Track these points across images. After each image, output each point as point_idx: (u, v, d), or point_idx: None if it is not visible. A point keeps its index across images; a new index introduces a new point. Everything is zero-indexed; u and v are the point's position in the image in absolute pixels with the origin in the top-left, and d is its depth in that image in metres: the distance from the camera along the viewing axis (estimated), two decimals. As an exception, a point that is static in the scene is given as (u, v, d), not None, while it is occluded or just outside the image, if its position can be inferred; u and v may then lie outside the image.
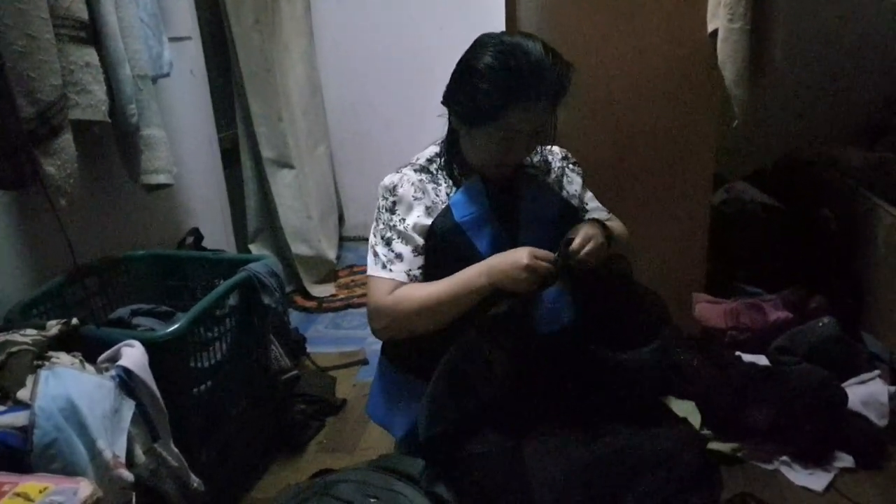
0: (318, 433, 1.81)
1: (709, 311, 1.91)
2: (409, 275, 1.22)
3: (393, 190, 1.25)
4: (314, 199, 2.84)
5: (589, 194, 1.43)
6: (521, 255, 1.13)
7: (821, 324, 1.75)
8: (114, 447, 1.03)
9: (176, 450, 1.24)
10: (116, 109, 1.63)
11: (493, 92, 1.13)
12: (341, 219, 3.37)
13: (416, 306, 1.18)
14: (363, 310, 2.58)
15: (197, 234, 2.06)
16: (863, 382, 1.69)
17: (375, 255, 1.25)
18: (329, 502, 1.35)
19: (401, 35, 3.06)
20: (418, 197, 1.24)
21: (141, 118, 1.69)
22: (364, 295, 2.69)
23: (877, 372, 1.72)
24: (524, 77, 1.12)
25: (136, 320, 1.55)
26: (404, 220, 1.23)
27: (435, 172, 1.29)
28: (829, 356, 1.71)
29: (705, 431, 1.63)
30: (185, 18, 2.18)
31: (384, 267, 1.23)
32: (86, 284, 1.58)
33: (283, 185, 2.63)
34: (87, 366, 1.10)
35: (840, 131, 2.69)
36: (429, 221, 1.24)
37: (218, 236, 2.34)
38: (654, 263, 1.72)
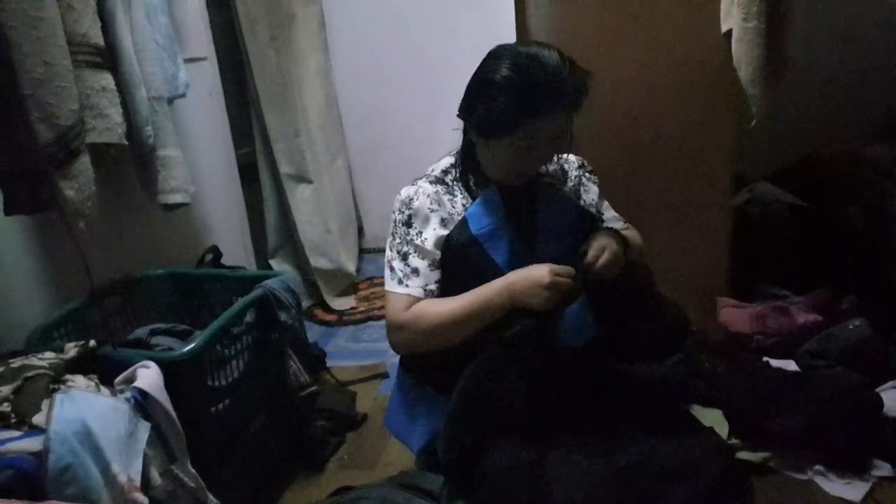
0: (338, 449, 1.80)
1: (734, 315, 1.86)
2: (425, 290, 1.21)
3: (409, 203, 1.23)
4: (333, 213, 2.85)
5: (605, 204, 1.41)
6: (542, 274, 1.11)
7: (852, 326, 1.69)
8: (129, 470, 1.03)
9: (193, 471, 1.24)
10: (133, 131, 1.66)
11: (512, 104, 1.12)
12: (360, 231, 3.37)
13: (434, 323, 1.17)
14: (383, 322, 2.57)
15: (216, 252, 2.07)
16: (897, 387, 1.63)
17: (392, 269, 1.24)
18: (348, 520, 1.34)
19: (413, 46, 3.06)
20: (434, 209, 1.23)
21: (157, 139, 1.71)
22: (384, 307, 2.71)
23: (912, 375, 1.65)
24: (542, 88, 1.11)
25: (155, 340, 1.56)
26: (421, 233, 1.22)
27: (451, 184, 1.28)
28: (862, 359, 1.65)
29: (733, 441, 1.58)
30: (201, 39, 2.21)
31: (400, 282, 1.22)
32: (105, 305, 1.59)
33: (301, 199, 2.65)
34: (103, 388, 1.11)
35: (864, 128, 2.61)
36: (445, 233, 1.22)
37: (238, 253, 2.35)
38: (676, 269, 1.69)
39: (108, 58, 1.57)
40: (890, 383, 1.62)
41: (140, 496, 1.01)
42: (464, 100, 1.22)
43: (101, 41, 1.51)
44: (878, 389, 1.59)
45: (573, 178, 1.36)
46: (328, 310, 2.70)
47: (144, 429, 1.11)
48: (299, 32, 2.70)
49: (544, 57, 1.12)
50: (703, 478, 1.11)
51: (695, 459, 1.12)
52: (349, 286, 2.87)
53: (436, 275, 1.23)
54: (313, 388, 1.83)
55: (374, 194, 3.32)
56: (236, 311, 1.47)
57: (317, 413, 1.84)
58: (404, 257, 1.23)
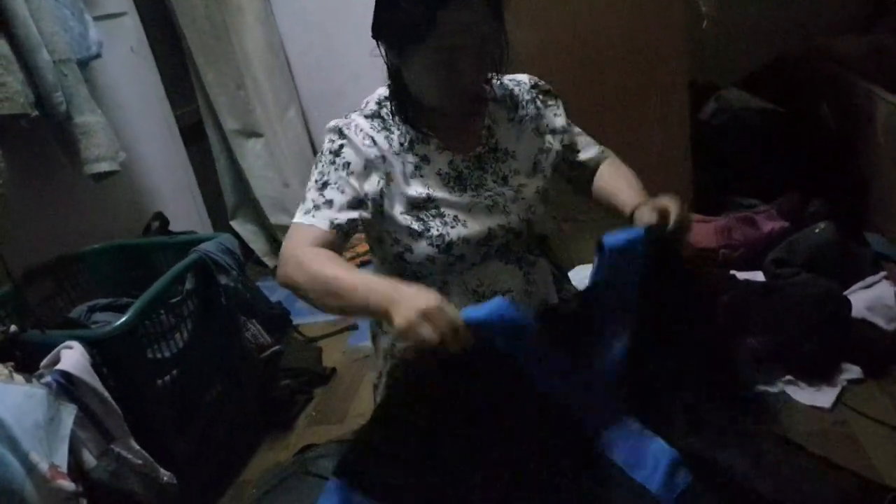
0: (307, 406, 1.77)
1: (699, 230, 1.79)
2: (333, 223, 1.05)
3: (340, 132, 1.10)
4: (291, 166, 2.74)
5: (575, 130, 1.27)
6: (428, 297, 0.88)
7: (817, 230, 1.63)
8: (52, 457, 0.98)
9: (138, 447, 1.20)
10: (42, 99, 1.55)
11: (414, 3, 0.99)
12: (326, 182, 3.28)
13: (313, 276, 0.99)
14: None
15: (162, 219, 1.99)
16: (868, 287, 1.58)
17: (304, 200, 1.09)
18: (308, 481, 1.31)
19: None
20: (367, 145, 1.09)
21: (71, 105, 1.60)
22: (353, 258, 2.64)
23: (883, 273, 1.61)
24: None
25: (95, 316, 1.50)
26: (348, 164, 1.08)
27: (386, 118, 1.14)
28: (829, 263, 1.60)
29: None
30: (116, -7, 2.06)
31: (308, 213, 1.07)
32: (38, 287, 1.52)
33: (252, 155, 2.54)
34: (16, 375, 1.05)
35: (834, 19, 2.48)
36: (375, 177, 1.09)
37: (191, 217, 2.27)
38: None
39: (-1, 22, 1.45)
40: (857, 284, 1.58)
41: (66, 483, 0.97)
42: (373, 17, 1.09)
43: (-15, 4, 1.39)
44: (845, 292, 1.55)
45: (525, 104, 1.21)
46: (296, 266, 2.63)
47: (69, 412, 1.06)
48: (232, -23, 2.53)
49: None
50: None
51: None
52: (316, 240, 2.79)
53: (350, 213, 1.07)
54: (275, 348, 1.78)
55: (334, 143, 3.21)
56: (168, 279, 1.40)
57: (282, 373, 1.80)
58: (322, 187, 1.08)
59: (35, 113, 1.51)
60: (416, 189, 1.11)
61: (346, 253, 2.67)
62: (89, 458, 1.08)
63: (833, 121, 2.11)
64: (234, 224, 2.64)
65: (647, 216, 1.04)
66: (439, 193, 1.12)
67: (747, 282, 1.63)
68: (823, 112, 2.16)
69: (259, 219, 2.68)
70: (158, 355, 1.37)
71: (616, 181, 1.22)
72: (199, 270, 1.50)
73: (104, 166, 1.67)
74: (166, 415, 1.39)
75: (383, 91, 1.17)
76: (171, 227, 2.03)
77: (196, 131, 2.51)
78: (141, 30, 2.15)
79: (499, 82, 1.20)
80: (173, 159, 2.26)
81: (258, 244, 2.65)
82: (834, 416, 1.40)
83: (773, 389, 1.49)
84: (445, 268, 1.14)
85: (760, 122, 2.17)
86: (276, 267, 2.59)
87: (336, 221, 1.05)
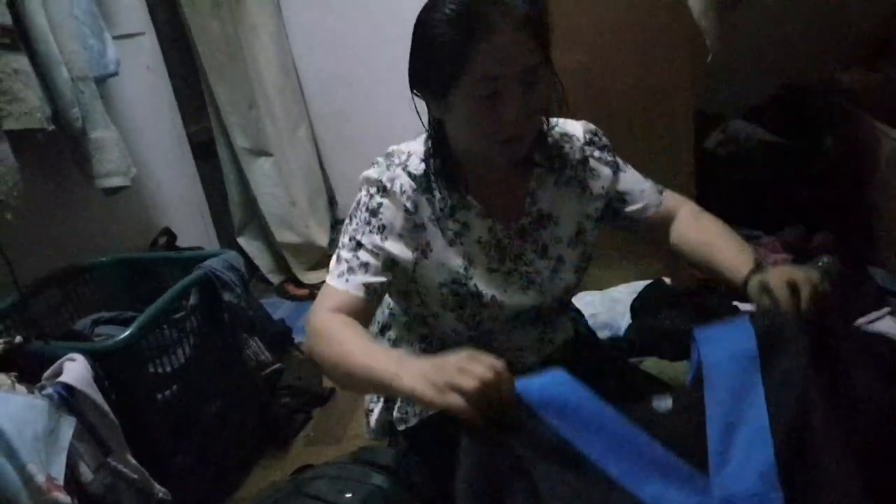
0: (305, 425, 1.77)
1: (701, 261, 1.79)
2: (367, 286, 0.98)
3: (382, 189, 1.00)
4: (299, 185, 2.77)
5: (629, 177, 1.13)
6: (457, 359, 0.74)
7: (820, 263, 1.63)
8: (49, 469, 0.99)
9: (134, 461, 1.21)
10: (59, 114, 1.58)
11: (451, 35, 0.90)
12: (333, 202, 3.30)
13: (333, 352, 0.91)
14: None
15: (169, 234, 2.01)
16: (872, 322, 1.57)
17: (338, 259, 1.02)
18: (303, 501, 1.31)
19: (373, 8, 2.93)
20: (409, 210, 1.00)
21: (86, 121, 1.64)
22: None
23: (887, 309, 1.60)
24: (476, 8, 0.90)
25: (99, 329, 1.52)
26: (384, 227, 0.99)
27: (429, 178, 1.03)
28: (832, 297, 1.59)
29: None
30: (136, 14, 2.11)
31: (342, 276, 0.99)
32: (45, 298, 1.54)
33: (260, 173, 2.57)
34: (19, 386, 1.06)
35: (839, 54, 2.50)
36: (410, 249, 1.01)
37: (196, 233, 2.30)
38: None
39: (20, 38, 1.49)
40: (861, 319, 1.57)
41: (61, 495, 0.97)
42: (409, 64, 1.00)
43: (7, 20, 1.44)
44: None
45: (574, 164, 1.08)
46: (300, 284, 2.65)
47: (68, 424, 1.06)
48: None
49: None
50: None
51: None
52: (321, 259, 2.81)
53: (385, 276, 1.00)
54: (276, 366, 1.79)
55: (343, 164, 3.23)
56: (173, 295, 1.42)
57: (282, 391, 1.81)
58: (357, 247, 1.00)
59: (52, 127, 1.54)
60: (454, 259, 1.04)
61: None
62: (86, 471, 1.08)
63: (838, 155, 2.11)
64: (241, 240, 2.66)
65: (764, 297, 0.86)
66: (477, 265, 1.04)
67: (750, 314, 1.62)
68: (828, 146, 2.17)
69: (265, 236, 2.70)
70: (160, 370, 1.38)
71: (711, 236, 1.06)
72: (204, 287, 1.51)
73: (116, 181, 1.70)
74: (165, 430, 1.39)
75: (420, 146, 1.06)
76: (178, 243, 2.06)
77: (207, 148, 2.54)
78: (157, 49, 2.20)
79: (550, 138, 1.09)
80: (183, 176, 2.29)
81: (263, 261, 2.67)
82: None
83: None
84: (468, 337, 1.11)
85: (765, 154, 2.18)
86: (280, 283, 2.65)
87: (370, 286, 0.99)
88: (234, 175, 2.61)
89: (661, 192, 1.16)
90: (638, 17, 1.71)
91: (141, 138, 2.02)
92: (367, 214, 1.00)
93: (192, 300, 1.48)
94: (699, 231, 1.09)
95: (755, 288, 0.90)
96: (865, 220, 1.91)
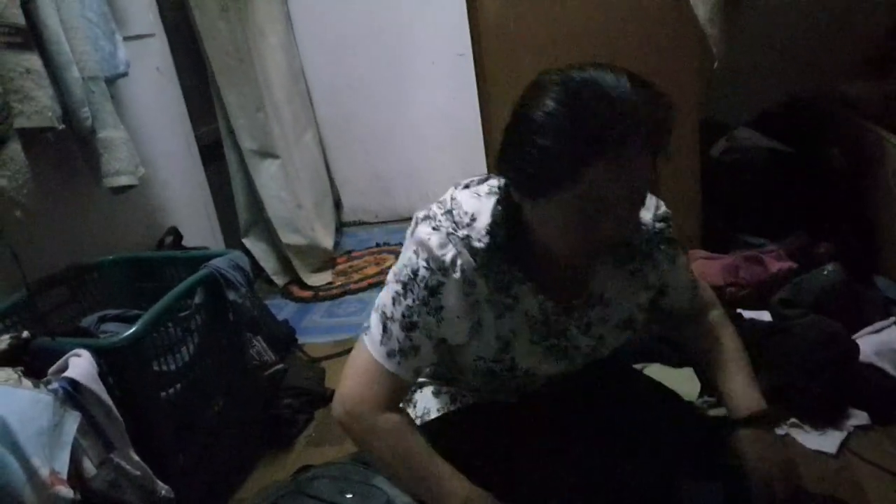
0: (307, 426, 1.77)
1: (705, 267, 1.80)
2: (416, 372, 1.00)
3: (443, 268, 0.93)
4: (305, 188, 2.79)
5: (678, 269, 1.09)
6: None
7: (825, 271, 1.63)
8: (53, 463, 0.99)
9: (137, 458, 1.21)
10: (69, 113, 1.60)
11: (561, 149, 0.81)
12: (339, 205, 3.32)
13: (381, 454, 1.00)
14: (360, 295, 2.56)
15: (176, 234, 2.03)
16: (877, 331, 1.57)
17: (384, 330, 0.97)
18: (303, 501, 1.31)
19: (379, 9, 2.96)
20: (468, 293, 0.95)
21: (96, 120, 1.65)
22: (361, 280, 2.66)
23: (892, 319, 1.59)
24: (603, 123, 0.80)
25: (105, 327, 1.52)
26: (441, 308, 0.95)
27: (492, 254, 0.95)
28: (837, 305, 1.59)
29: (706, 399, 1.54)
30: (146, 16, 2.12)
31: (392, 355, 0.96)
32: (52, 295, 1.55)
33: (267, 175, 2.58)
34: (24, 380, 1.07)
35: (848, 64, 2.50)
36: (463, 336, 0.99)
37: (203, 234, 2.31)
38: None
39: (32, 38, 1.50)
40: (866, 329, 1.57)
41: (65, 489, 0.98)
42: (501, 148, 0.90)
43: (20, 20, 1.45)
44: (855, 335, 1.54)
45: (640, 255, 1.02)
46: (304, 286, 2.65)
47: (73, 419, 1.07)
48: (257, 4, 2.61)
49: (605, 81, 0.82)
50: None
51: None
52: (326, 261, 2.82)
53: (435, 357, 1.01)
54: (279, 366, 1.80)
55: (348, 168, 3.26)
56: (178, 293, 1.42)
57: (284, 392, 1.81)
58: (410, 328, 0.96)
59: (62, 126, 1.56)
60: (499, 334, 1.00)
61: (354, 275, 2.71)
62: (89, 467, 1.09)
63: (843, 164, 2.12)
64: (247, 242, 2.67)
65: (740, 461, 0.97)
66: (519, 338, 1.01)
67: (753, 321, 1.62)
68: (834, 155, 2.17)
69: (271, 238, 2.71)
70: (164, 368, 1.39)
71: (726, 358, 1.09)
72: (209, 286, 1.52)
73: (123, 180, 1.71)
74: (168, 427, 1.40)
75: (487, 208, 0.95)
76: (185, 243, 2.07)
77: (214, 150, 2.56)
78: (167, 51, 2.22)
79: None
80: (191, 176, 2.30)
81: (269, 263, 2.68)
82: (839, 462, 1.38)
83: (777, 432, 1.48)
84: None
85: (771, 162, 2.18)
86: (285, 285, 2.66)
87: (420, 372, 1.02)
88: (241, 177, 2.62)
89: (695, 289, 1.13)
90: (644, 25, 1.73)
91: (149, 138, 2.04)
92: (424, 293, 0.94)
93: (198, 299, 1.49)
94: (716, 349, 1.11)
95: (742, 442, 1.00)
96: (871, 229, 1.91)
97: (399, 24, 2.95)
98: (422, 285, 0.94)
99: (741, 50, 2.21)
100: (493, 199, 0.96)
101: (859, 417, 1.46)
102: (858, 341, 1.52)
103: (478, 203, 0.96)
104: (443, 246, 0.93)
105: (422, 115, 3.04)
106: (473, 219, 0.95)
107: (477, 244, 0.93)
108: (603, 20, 1.75)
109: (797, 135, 2.29)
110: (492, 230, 0.94)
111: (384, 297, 0.99)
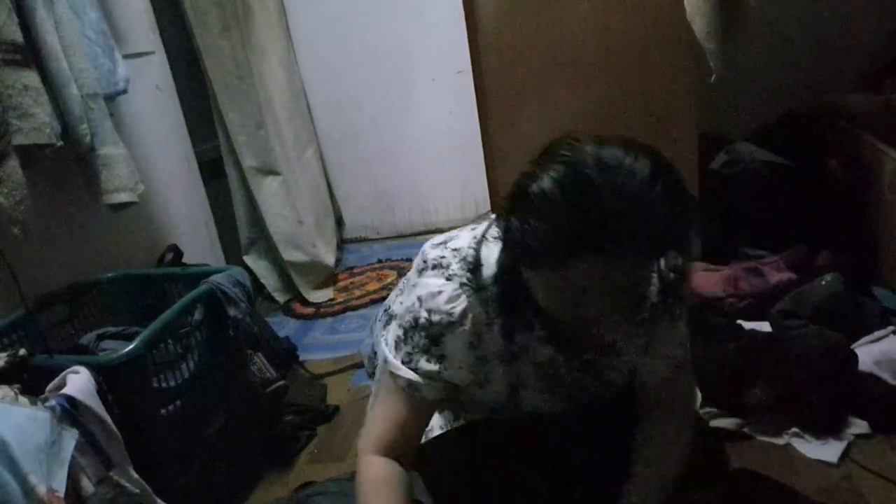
0: (309, 443, 1.76)
1: (705, 279, 1.80)
2: (420, 411, 1.02)
3: (449, 323, 0.93)
4: (306, 205, 2.79)
5: (674, 334, 1.03)
6: None
7: (824, 282, 1.63)
8: (51, 481, 0.99)
9: (136, 476, 1.20)
10: (68, 130, 1.61)
11: (549, 233, 0.74)
12: (340, 221, 3.32)
13: (360, 498, 0.97)
14: (361, 311, 2.55)
15: (176, 251, 2.03)
16: (876, 341, 1.57)
17: (395, 369, 0.99)
18: (304, 517, 1.30)
19: (379, 28, 2.99)
20: (473, 343, 0.95)
21: (95, 138, 1.66)
22: (363, 296, 2.66)
23: (891, 328, 1.59)
24: (599, 217, 0.72)
25: (104, 344, 1.52)
26: (444, 357, 0.96)
27: (494, 306, 0.93)
28: (836, 315, 1.59)
29: (708, 409, 1.53)
30: (146, 34, 2.15)
31: (410, 387, 0.98)
32: (51, 313, 1.55)
33: (268, 193, 2.59)
34: (21, 398, 1.06)
35: (845, 77, 2.52)
36: (466, 381, 1.00)
37: (203, 251, 2.31)
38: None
39: (31, 55, 1.52)
40: (865, 338, 1.56)
41: (62, 507, 0.97)
42: (503, 205, 0.84)
43: (18, 38, 1.46)
44: (854, 345, 1.53)
45: (653, 319, 0.95)
46: (306, 303, 2.65)
47: (71, 436, 1.06)
48: (258, 23, 2.63)
49: (622, 168, 0.73)
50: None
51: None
52: (328, 278, 2.82)
53: (437, 396, 1.01)
54: (280, 383, 1.79)
55: (350, 184, 3.27)
56: (178, 309, 1.42)
57: (286, 408, 1.80)
58: (414, 371, 0.99)
59: (61, 143, 1.57)
60: (507, 382, 1.00)
61: (356, 291, 2.71)
62: (87, 485, 1.08)
63: (841, 176, 2.12)
64: (248, 259, 2.68)
65: None
66: (528, 385, 1.01)
67: (753, 331, 1.62)
68: (832, 167, 2.18)
69: (272, 255, 2.71)
70: (164, 384, 1.38)
71: (654, 464, 1.05)
72: (209, 302, 1.52)
73: (123, 197, 1.71)
74: (168, 445, 1.39)
75: (493, 264, 0.91)
76: (185, 260, 2.07)
77: (215, 167, 2.57)
78: (167, 68, 2.24)
79: None
80: (191, 193, 2.31)
81: (270, 280, 2.68)
82: (840, 472, 1.37)
83: (778, 441, 1.47)
84: None
85: (769, 175, 2.19)
86: (287, 302, 2.66)
87: (428, 411, 1.04)
88: (242, 194, 2.63)
89: (677, 372, 1.04)
90: (642, 41, 1.74)
91: (149, 156, 2.05)
92: (426, 341, 0.94)
93: (198, 315, 1.49)
94: (654, 453, 1.05)
95: None
96: (869, 240, 1.91)
97: (399, 43, 2.98)
98: (422, 334, 0.95)
99: (739, 64, 2.24)
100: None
101: (860, 426, 1.45)
102: (858, 351, 1.51)
103: (490, 250, 0.93)
104: (453, 299, 0.92)
105: (422, 132, 3.06)
106: (482, 267, 0.92)
107: (484, 289, 0.91)
108: (602, 37, 1.76)
109: (796, 148, 2.30)
110: (500, 277, 0.90)
111: (389, 337, 1.01)
